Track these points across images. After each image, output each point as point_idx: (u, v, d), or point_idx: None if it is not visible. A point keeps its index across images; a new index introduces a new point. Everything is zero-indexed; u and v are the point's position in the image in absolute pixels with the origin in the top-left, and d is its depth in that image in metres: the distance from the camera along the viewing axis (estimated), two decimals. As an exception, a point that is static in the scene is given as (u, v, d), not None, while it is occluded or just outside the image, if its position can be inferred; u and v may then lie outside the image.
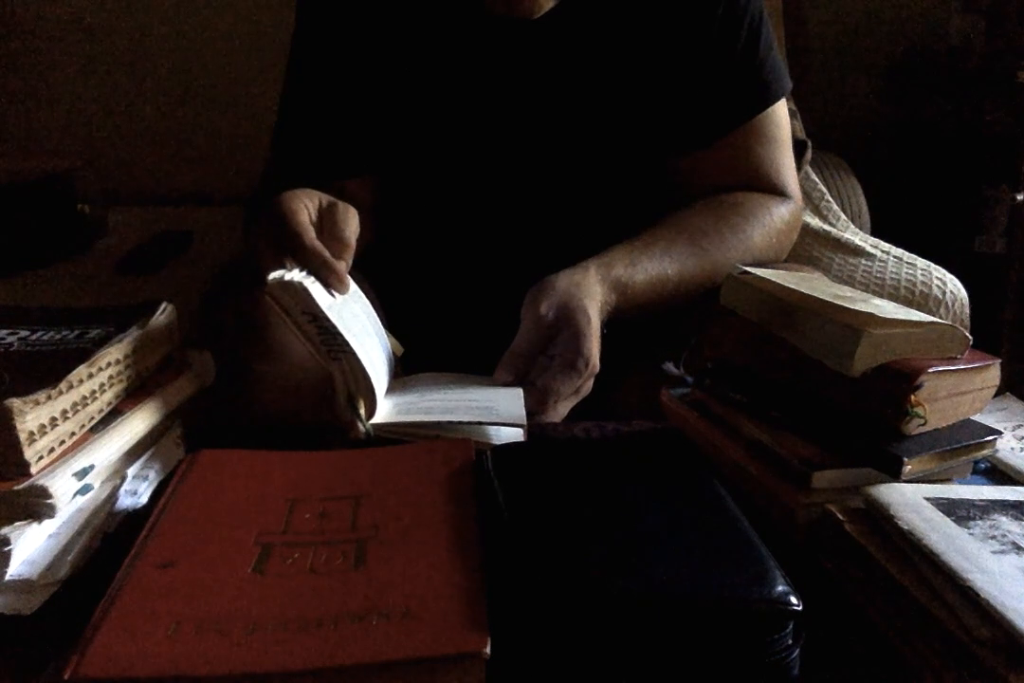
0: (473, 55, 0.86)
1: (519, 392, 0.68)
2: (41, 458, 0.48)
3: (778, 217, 0.87)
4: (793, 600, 0.42)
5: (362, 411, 0.61)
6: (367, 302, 0.74)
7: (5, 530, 0.46)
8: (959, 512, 0.50)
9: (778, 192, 0.89)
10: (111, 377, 0.56)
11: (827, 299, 0.60)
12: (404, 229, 0.93)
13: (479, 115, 0.87)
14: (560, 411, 0.70)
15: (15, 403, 0.46)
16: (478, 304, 0.88)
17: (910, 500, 0.51)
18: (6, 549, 0.45)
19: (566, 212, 0.89)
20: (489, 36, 0.84)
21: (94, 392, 0.54)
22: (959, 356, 0.60)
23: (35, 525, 0.47)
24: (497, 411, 0.64)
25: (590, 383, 0.71)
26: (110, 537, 0.53)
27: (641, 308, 0.78)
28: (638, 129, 0.87)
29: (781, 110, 0.89)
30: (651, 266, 0.78)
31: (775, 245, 0.87)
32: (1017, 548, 0.47)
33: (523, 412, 0.64)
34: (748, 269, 0.66)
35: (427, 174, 0.90)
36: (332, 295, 0.66)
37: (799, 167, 1.42)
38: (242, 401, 0.74)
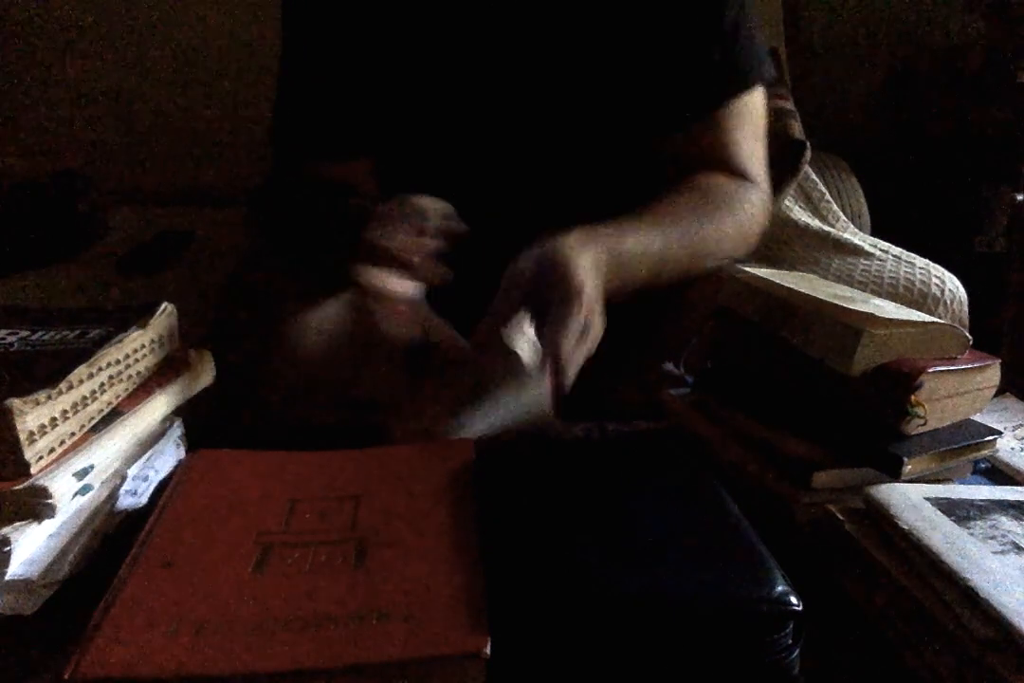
0: (461, 23, 0.86)
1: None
2: (41, 458, 0.48)
3: (749, 206, 0.87)
4: (793, 600, 0.42)
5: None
6: None
7: (5, 530, 0.46)
8: (959, 512, 0.51)
9: (748, 178, 0.89)
10: (111, 377, 0.56)
11: (827, 299, 0.60)
12: None
13: (469, 82, 0.88)
14: (573, 355, 0.63)
15: (15, 403, 0.46)
16: (473, 280, 0.90)
17: (910, 500, 0.51)
18: (6, 549, 0.45)
19: (558, 184, 0.90)
20: (477, 4, 0.85)
21: (94, 392, 0.53)
22: (959, 356, 0.60)
23: (35, 525, 0.47)
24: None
25: (596, 321, 0.65)
26: (110, 537, 0.53)
27: (631, 281, 0.75)
28: (622, 105, 0.88)
29: (759, 99, 0.90)
30: (639, 235, 0.76)
31: (746, 233, 0.87)
32: (1017, 548, 0.47)
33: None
34: (748, 269, 0.66)
35: (421, 145, 0.90)
36: None
37: (798, 167, 1.42)
38: (250, 399, 0.74)
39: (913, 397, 0.55)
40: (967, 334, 0.59)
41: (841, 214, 1.51)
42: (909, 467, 0.55)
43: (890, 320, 0.57)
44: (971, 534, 0.48)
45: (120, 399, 0.57)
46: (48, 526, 0.48)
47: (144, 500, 0.57)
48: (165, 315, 0.64)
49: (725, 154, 0.88)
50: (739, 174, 0.89)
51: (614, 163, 0.90)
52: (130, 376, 0.58)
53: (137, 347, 0.59)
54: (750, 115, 0.89)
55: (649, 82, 0.87)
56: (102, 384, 0.55)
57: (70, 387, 0.51)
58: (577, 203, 0.84)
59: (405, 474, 0.56)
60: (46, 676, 0.42)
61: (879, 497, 0.51)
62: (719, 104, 0.87)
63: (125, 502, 0.55)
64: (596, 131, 0.89)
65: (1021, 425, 0.72)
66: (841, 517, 0.52)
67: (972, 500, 0.53)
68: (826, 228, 1.45)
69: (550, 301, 0.63)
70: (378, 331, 0.78)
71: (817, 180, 1.53)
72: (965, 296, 1.30)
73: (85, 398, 0.52)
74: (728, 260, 0.85)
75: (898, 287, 1.30)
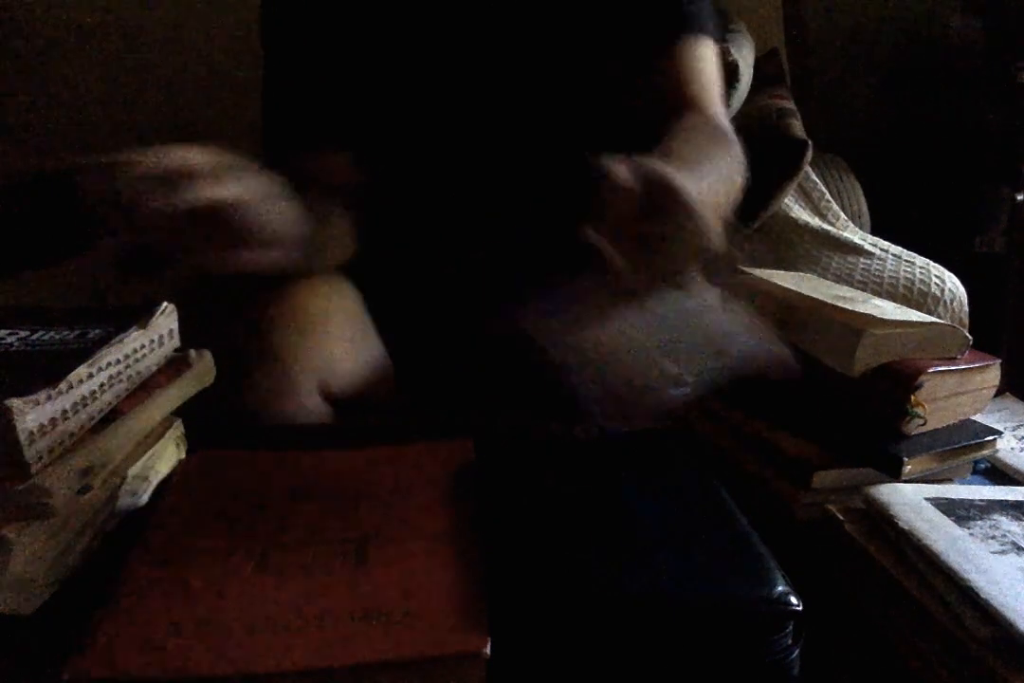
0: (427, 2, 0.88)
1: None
2: (41, 458, 0.48)
3: (735, 158, 0.82)
4: (793, 600, 0.42)
5: None
6: None
7: (5, 530, 0.46)
8: (959, 512, 0.50)
9: (718, 122, 0.88)
10: (111, 377, 0.56)
11: (827, 299, 0.60)
12: (391, 198, 0.94)
13: (439, 53, 0.88)
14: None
15: (15, 403, 0.46)
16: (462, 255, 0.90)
17: (910, 500, 0.51)
18: (6, 549, 0.45)
19: (534, 151, 0.89)
20: None
21: (94, 392, 0.53)
22: (959, 356, 0.60)
23: (35, 525, 0.47)
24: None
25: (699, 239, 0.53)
26: (110, 537, 0.53)
27: None
28: (580, 50, 0.88)
29: (711, 52, 0.90)
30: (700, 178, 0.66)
31: (737, 189, 0.81)
32: (1017, 548, 0.47)
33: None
34: (748, 269, 0.66)
35: (399, 123, 0.91)
36: None
37: (799, 166, 1.42)
38: (234, 401, 0.74)
39: (913, 397, 0.55)
40: (967, 334, 0.59)
41: (841, 213, 1.51)
42: (909, 467, 0.55)
43: (890, 320, 0.57)
44: (971, 534, 0.48)
45: (120, 399, 0.57)
46: (48, 526, 0.48)
47: (144, 500, 0.57)
48: (165, 315, 0.64)
49: (693, 95, 0.87)
50: (710, 116, 0.87)
51: (588, 122, 0.90)
52: (130, 376, 0.58)
53: (137, 347, 0.59)
54: (706, 62, 0.89)
55: (603, 27, 0.87)
56: (102, 384, 0.54)
57: (70, 387, 0.51)
58: (558, 172, 0.83)
59: (405, 474, 0.56)
60: (46, 676, 0.42)
61: (879, 497, 0.51)
62: (674, 42, 0.87)
63: (125, 502, 0.55)
64: (565, 89, 0.89)
65: (1021, 425, 0.72)
66: (841, 517, 0.52)
67: (972, 500, 0.53)
68: (826, 227, 1.45)
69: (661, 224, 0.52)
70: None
71: (817, 180, 1.54)
72: (965, 296, 1.30)
73: (85, 398, 0.52)
74: (727, 219, 0.82)
75: (898, 286, 1.30)
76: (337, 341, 0.82)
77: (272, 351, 0.75)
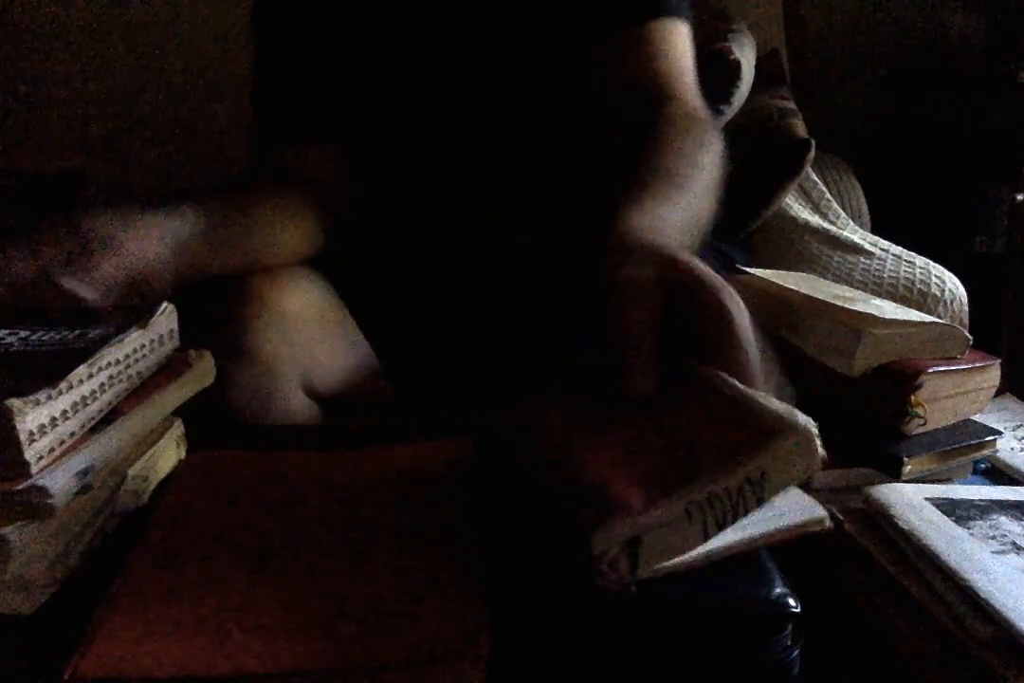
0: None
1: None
2: (41, 458, 0.48)
3: (716, 156, 0.78)
4: (791, 602, 0.41)
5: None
6: None
7: (5, 530, 0.46)
8: (959, 512, 0.51)
9: (696, 107, 0.86)
10: (111, 377, 0.56)
11: (827, 299, 0.60)
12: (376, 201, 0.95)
13: (423, 48, 0.88)
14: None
15: (15, 403, 0.46)
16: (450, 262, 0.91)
17: (910, 500, 0.51)
18: (6, 549, 0.45)
19: (516, 149, 0.90)
20: None
21: (94, 392, 0.53)
22: (959, 356, 0.60)
23: (35, 525, 0.47)
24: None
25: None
26: (110, 537, 0.53)
27: None
28: (552, 36, 0.87)
29: (684, 33, 0.88)
30: (672, 214, 0.62)
31: (716, 199, 0.76)
32: (1017, 548, 0.47)
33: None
34: (748, 269, 0.66)
35: (379, 122, 0.91)
36: None
37: (801, 166, 1.42)
38: (211, 400, 0.74)
39: (913, 397, 0.55)
40: (967, 334, 0.60)
41: (841, 212, 1.51)
42: (909, 467, 0.55)
43: (890, 320, 0.57)
44: (971, 534, 0.48)
45: (120, 399, 0.57)
46: (48, 526, 0.48)
47: (144, 500, 0.57)
48: (165, 315, 0.64)
49: (667, 82, 0.85)
50: (686, 103, 0.85)
51: (569, 115, 0.89)
52: (130, 376, 0.58)
53: (137, 347, 0.59)
54: (676, 45, 0.87)
55: (569, 10, 0.86)
56: (102, 384, 0.54)
57: (70, 387, 0.51)
58: (551, 168, 0.85)
59: (405, 474, 0.56)
60: (46, 676, 0.42)
61: (879, 497, 0.51)
62: (641, 24, 0.85)
63: (125, 502, 0.55)
64: (540, 81, 0.88)
65: (1021, 425, 0.71)
66: (841, 517, 0.52)
67: (972, 500, 0.53)
68: (826, 226, 1.45)
69: (709, 335, 0.46)
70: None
71: (817, 180, 1.54)
72: (965, 296, 1.30)
73: (85, 398, 0.52)
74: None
75: (898, 286, 1.31)
76: (318, 340, 0.81)
77: (251, 351, 0.75)
